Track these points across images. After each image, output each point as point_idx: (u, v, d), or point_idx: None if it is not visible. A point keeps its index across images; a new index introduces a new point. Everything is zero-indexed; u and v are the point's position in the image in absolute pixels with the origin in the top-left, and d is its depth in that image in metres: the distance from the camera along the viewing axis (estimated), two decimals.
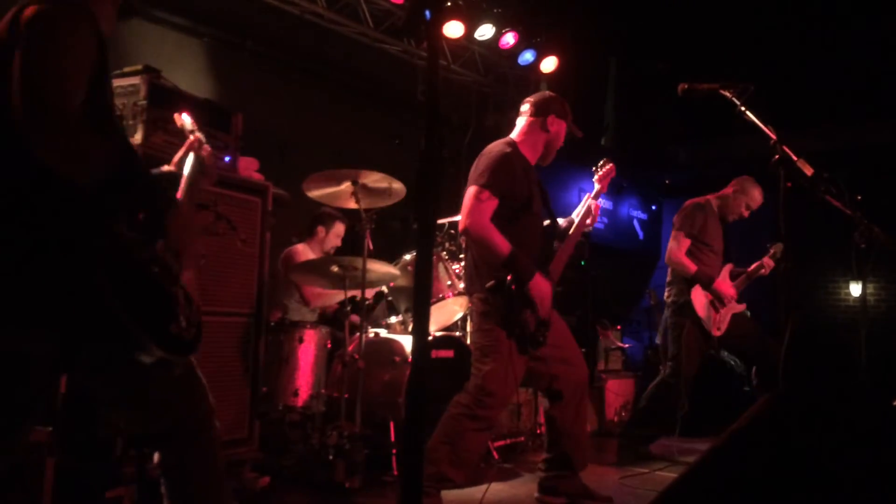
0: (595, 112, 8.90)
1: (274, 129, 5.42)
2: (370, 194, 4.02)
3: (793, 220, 2.79)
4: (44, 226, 1.67)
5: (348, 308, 4.12)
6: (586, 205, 3.63)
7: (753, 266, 4.83)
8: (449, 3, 6.03)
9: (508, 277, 3.22)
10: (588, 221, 3.63)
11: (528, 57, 6.93)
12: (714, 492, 1.45)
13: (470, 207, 3.25)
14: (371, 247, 4.06)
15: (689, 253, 4.70)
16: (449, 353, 4.38)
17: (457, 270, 4.71)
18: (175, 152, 2.21)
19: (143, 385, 1.81)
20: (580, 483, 3.53)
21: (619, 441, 4.89)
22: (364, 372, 3.89)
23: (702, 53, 7.78)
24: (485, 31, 6.54)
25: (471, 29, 6.45)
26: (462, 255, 4.83)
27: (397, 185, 3.97)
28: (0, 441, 1.75)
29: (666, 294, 4.87)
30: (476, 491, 3.53)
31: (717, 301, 4.64)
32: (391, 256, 4.85)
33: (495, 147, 3.43)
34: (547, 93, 3.68)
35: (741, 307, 4.79)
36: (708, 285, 4.61)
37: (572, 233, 3.60)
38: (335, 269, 3.98)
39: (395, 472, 3.94)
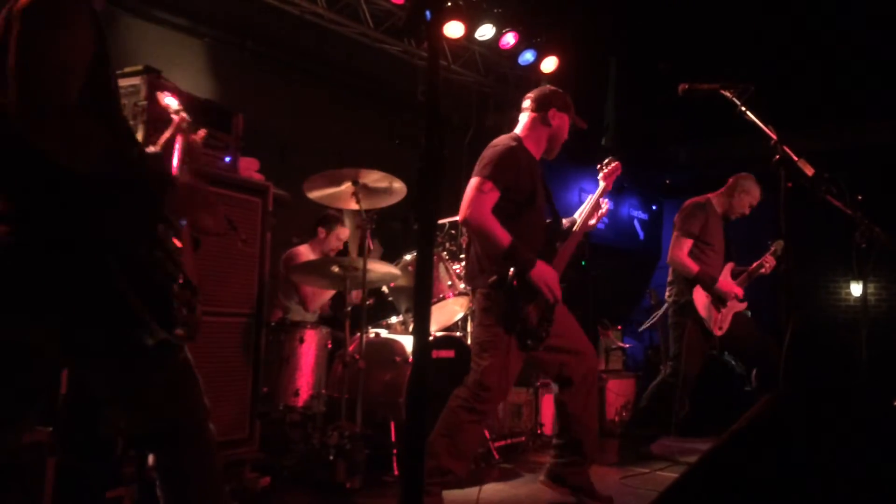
0: (595, 112, 8.89)
1: (274, 129, 5.42)
2: (371, 194, 4.01)
3: (793, 220, 2.79)
4: (48, 211, 1.66)
5: (348, 308, 4.12)
6: (592, 202, 3.63)
7: (755, 265, 4.83)
8: (449, 4, 6.03)
9: (510, 272, 3.23)
10: (592, 222, 3.63)
11: (528, 57, 6.93)
12: (715, 492, 1.45)
13: (471, 198, 3.26)
14: (372, 247, 4.06)
15: (691, 253, 4.70)
16: (450, 354, 4.38)
17: (457, 270, 4.71)
18: None
19: (140, 384, 1.80)
20: (587, 478, 3.52)
21: (619, 441, 4.89)
22: (365, 372, 3.89)
23: (702, 54, 7.78)
24: (485, 32, 6.55)
25: (471, 29, 6.45)
26: (462, 256, 4.83)
27: (398, 185, 3.96)
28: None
29: (667, 293, 4.87)
30: (476, 491, 3.52)
31: (718, 301, 4.64)
32: (392, 256, 4.85)
33: (501, 141, 3.44)
34: (548, 87, 3.67)
35: (742, 306, 4.78)
36: (710, 286, 4.60)
37: (577, 230, 3.60)
38: (335, 269, 3.98)
39: (396, 473, 3.94)
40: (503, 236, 3.21)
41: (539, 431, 5.21)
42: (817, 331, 8.11)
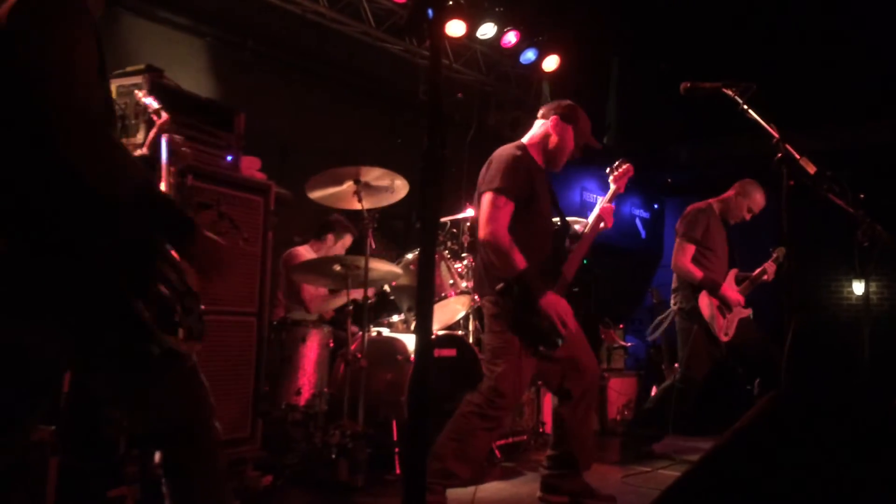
0: (597, 111, 8.89)
1: (276, 128, 5.42)
2: (372, 193, 4.01)
3: (795, 218, 2.78)
4: (62, 223, 1.66)
5: (350, 308, 4.12)
6: (603, 205, 3.62)
7: (757, 271, 4.82)
8: (451, 2, 6.03)
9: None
10: (602, 225, 3.62)
11: (529, 56, 6.92)
12: (716, 490, 1.45)
13: (488, 215, 3.23)
14: (374, 246, 4.06)
15: (694, 258, 4.69)
16: (451, 352, 4.38)
17: (459, 269, 4.71)
18: None
19: (145, 384, 1.81)
20: (583, 482, 3.54)
21: (621, 440, 4.90)
22: (367, 371, 3.89)
23: (704, 53, 7.77)
24: (486, 30, 6.54)
25: (472, 28, 6.44)
26: (464, 255, 4.84)
27: (399, 182, 3.96)
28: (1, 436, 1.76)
29: (672, 300, 4.86)
30: (479, 489, 3.53)
31: (724, 306, 4.63)
32: (393, 255, 4.86)
33: (504, 151, 3.42)
34: (563, 101, 3.63)
35: (747, 312, 4.78)
36: (714, 291, 4.60)
37: (587, 233, 3.59)
38: (337, 268, 3.98)
39: (398, 471, 3.94)
40: (519, 261, 3.19)
41: (541, 430, 5.21)
42: (819, 330, 8.10)
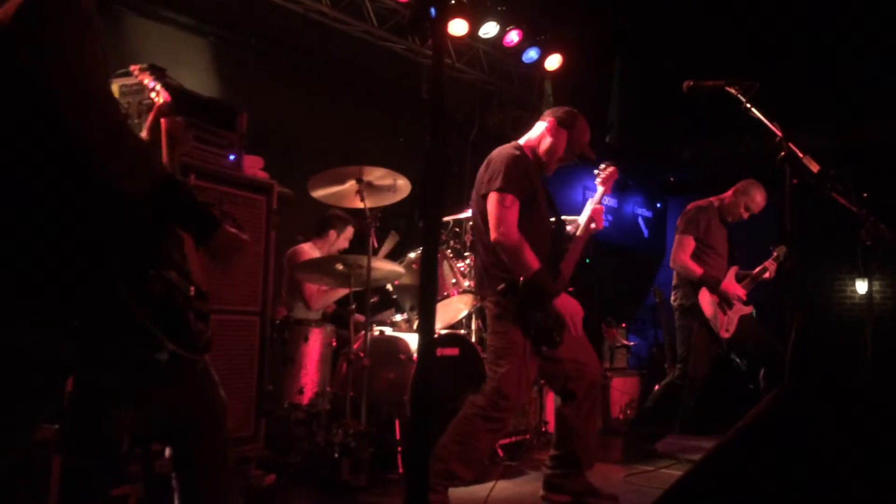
0: (600, 110, 8.89)
1: (278, 127, 5.43)
2: (375, 192, 4.01)
3: (798, 217, 2.78)
4: (74, 230, 1.65)
5: (352, 306, 4.12)
6: (592, 206, 3.62)
7: (757, 269, 4.82)
8: (453, 1, 6.03)
9: (520, 279, 3.22)
10: (593, 225, 3.61)
11: (532, 55, 6.92)
12: (719, 489, 1.45)
13: (498, 216, 3.21)
14: (375, 245, 4.06)
15: (694, 256, 4.69)
16: (454, 351, 4.38)
17: (461, 268, 4.71)
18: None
19: (157, 383, 1.81)
20: (586, 481, 3.53)
21: (624, 439, 4.90)
22: (369, 370, 3.89)
23: (707, 52, 7.76)
24: (489, 29, 6.54)
25: (475, 27, 6.44)
26: (467, 253, 4.83)
27: (402, 181, 3.96)
28: (2, 439, 1.76)
29: (672, 297, 4.86)
30: (482, 489, 3.53)
31: (724, 303, 4.63)
32: (395, 255, 4.86)
33: (503, 150, 3.41)
34: (566, 108, 3.61)
35: (749, 309, 4.77)
36: (715, 287, 4.59)
37: (580, 234, 3.58)
38: (340, 266, 3.98)
39: (401, 470, 3.95)
40: (532, 262, 3.18)
41: (543, 429, 5.21)
42: (822, 329, 8.09)
